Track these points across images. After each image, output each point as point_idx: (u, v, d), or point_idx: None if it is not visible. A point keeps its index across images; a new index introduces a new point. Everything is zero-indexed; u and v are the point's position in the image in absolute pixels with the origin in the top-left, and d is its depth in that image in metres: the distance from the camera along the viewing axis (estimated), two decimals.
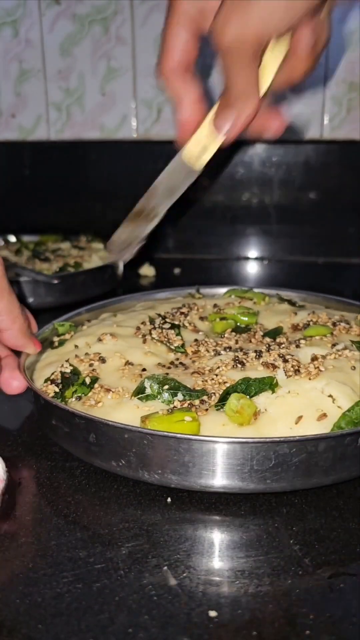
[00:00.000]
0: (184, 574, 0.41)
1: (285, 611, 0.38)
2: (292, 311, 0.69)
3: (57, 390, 0.55)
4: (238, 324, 0.67)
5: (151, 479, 0.48)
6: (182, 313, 0.69)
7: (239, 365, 0.55)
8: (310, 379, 0.52)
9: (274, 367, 0.54)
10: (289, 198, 1.22)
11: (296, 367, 0.54)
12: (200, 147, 0.57)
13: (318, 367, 0.53)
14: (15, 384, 0.58)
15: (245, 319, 0.67)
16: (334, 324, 0.63)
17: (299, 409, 0.50)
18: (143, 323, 0.65)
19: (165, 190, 0.61)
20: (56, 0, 1.20)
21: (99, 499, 0.49)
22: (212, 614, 0.38)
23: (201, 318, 0.69)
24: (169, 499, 0.48)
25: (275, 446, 0.45)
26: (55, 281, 0.93)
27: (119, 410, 0.51)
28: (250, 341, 0.62)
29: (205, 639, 0.36)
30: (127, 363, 0.58)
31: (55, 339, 0.66)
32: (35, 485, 0.51)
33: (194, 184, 0.59)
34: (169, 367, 0.58)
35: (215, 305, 0.72)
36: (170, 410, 0.50)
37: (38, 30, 1.22)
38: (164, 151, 1.23)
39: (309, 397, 0.51)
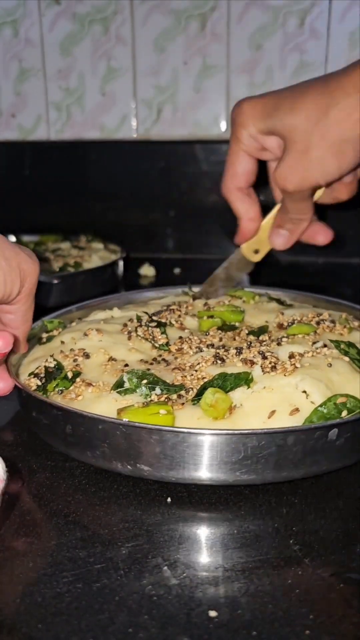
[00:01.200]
0: (184, 574, 0.41)
1: (285, 611, 0.38)
2: (280, 310, 0.70)
3: (39, 383, 0.56)
4: (226, 322, 0.68)
5: (124, 470, 0.49)
6: (171, 310, 0.70)
7: (219, 362, 0.56)
8: (285, 375, 0.53)
9: (252, 363, 0.55)
10: None
11: (274, 364, 0.54)
12: (257, 247, 0.73)
13: (294, 364, 0.54)
14: (0, 385, 0.56)
15: (232, 317, 0.68)
16: (318, 323, 0.64)
17: (273, 404, 0.51)
18: (130, 320, 0.66)
19: (225, 279, 0.76)
20: (56, 0, 1.20)
21: (98, 499, 0.49)
22: (212, 614, 0.38)
23: (192, 315, 0.70)
24: (169, 499, 0.48)
25: (245, 438, 0.46)
26: (55, 281, 0.93)
27: (98, 403, 0.52)
28: (235, 339, 0.63)
29: (205, 639, 0.36)
30: (111, 359, 0.59)
31: (44, 335, 0.67)
32: (35, 485, 0.51)
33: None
34: (151, 363, 0.59)
35: (205, 304, 0.73)
36: (146, 403, 0.51)
37: (38, 30, 1.22)
38: (164, 151, 1.24)
39: (283, 393, 0.51)
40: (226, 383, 0.52)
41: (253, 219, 0.70)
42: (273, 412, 0.50)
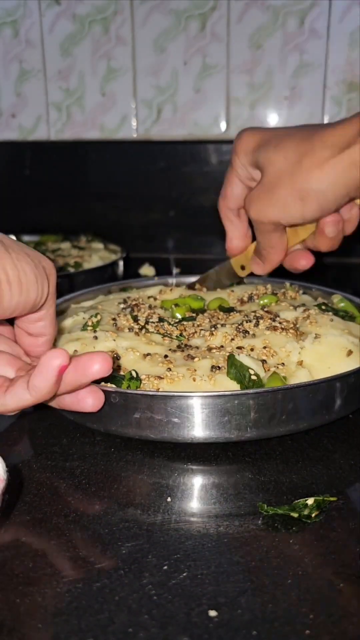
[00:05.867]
0: (184, 574, 0.41)
1: (284, 611, 0.38)
2: (225, 288, 0.77)
3: (114, 387, 0.54)
4: (192, 307, 0.72)
5: (256, 435, 0.52)
6: (136, 305, 0.70)
7: (248, 334, 0.60)
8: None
9: (282, 329, 0.60)
10: None
11: (298, 327, 0.61)
12: (243, 264, 0.76)
13: (314, 323, 0.62)
14: (90, 402, 0.51)
15: (195, 303, 0.73)
16: (274, 293, 0.72)
17: (328, 353, 0.58)
18: (114, 319, 0.65)
19: (216, 280, 0.79)
20: (56, 0, 1.20)
21: (98, 499, 0.49)
22: (212, 613, 0.38)
23: (155, 307, 0.71)
24: (169, 499, 0.48)
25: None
26: None
27: (187, 389, 0.54)
28: (219, 317, 0.67)
29: (205, 638, 0.36)
30: (145, 355, 0.59)
31: None
32: (35, 485, 0.51)
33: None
34: (182, 351, 0.60)
35: (149, 296, 0.75)
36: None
37: (38, 30, 1.22)
38: (164, 151, 1.24)
39: (328, 343, 0.59)
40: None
41: (238, 238, 0.73)
42: (350, 351, 0.58)
